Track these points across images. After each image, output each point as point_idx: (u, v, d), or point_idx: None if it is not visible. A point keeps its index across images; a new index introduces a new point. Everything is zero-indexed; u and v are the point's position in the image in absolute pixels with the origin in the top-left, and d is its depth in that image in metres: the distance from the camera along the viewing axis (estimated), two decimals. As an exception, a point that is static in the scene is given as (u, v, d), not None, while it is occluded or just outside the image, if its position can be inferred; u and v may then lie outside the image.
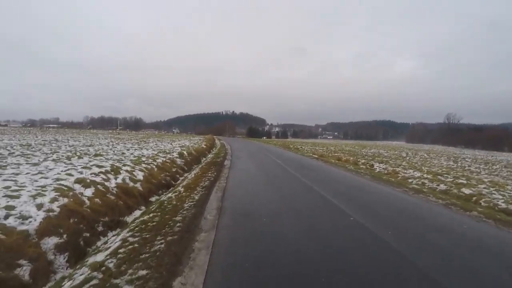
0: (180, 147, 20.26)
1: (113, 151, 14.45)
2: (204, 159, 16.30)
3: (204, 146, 24.03)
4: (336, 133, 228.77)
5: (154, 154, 13.80)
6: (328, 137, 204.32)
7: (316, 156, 17.90)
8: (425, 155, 33.99)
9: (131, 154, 13.36)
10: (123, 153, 13.75)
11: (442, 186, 9.29)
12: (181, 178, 9.79)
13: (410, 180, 10.21)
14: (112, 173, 7.43)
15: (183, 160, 12.83)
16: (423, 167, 16.62)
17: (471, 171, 16.18)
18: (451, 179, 10.94)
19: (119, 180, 6.87)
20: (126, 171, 7.93)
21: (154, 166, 9.76)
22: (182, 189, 6.55)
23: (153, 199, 7.07)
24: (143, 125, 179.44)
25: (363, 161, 16.65)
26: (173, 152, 14.84)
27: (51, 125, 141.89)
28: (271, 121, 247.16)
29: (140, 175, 7.97)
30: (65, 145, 17.66)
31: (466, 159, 28.57)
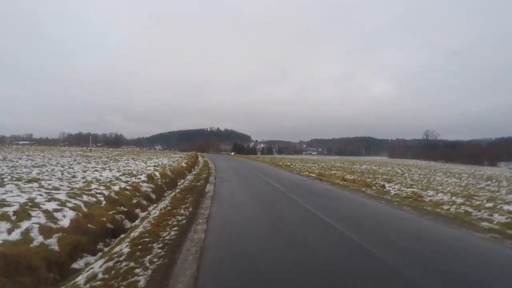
0: (154, 166, 17.10)
1: (62, 174, 11.20)
2: (181, 181, 13.31)
3: (184, 165, 20.95)
4: (320, 149, 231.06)
5: (115, 177, 10.70)
6: (313, 153, 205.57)
7: (314, 175, 15.46)
8: (419, 170, 32.76)
9: (83, 178, 10.20)
10: (73, 177, 10.56)
11: (499, 217, 7.03)
12: (141, 216, 6.82)
13: (447, 208, 7.90)
14: (14, 217, 4.45)
15: (151, 186, 9.83)
16: (439, 187, 14.63)
17: (490, 190, 14.32)
18: (491, 204, 8.83)
19: (14, 236, 3.90)
20: (45, 211, 4.94)
21: (103, 198, 6.76)
22: (128, 249, 3.69)
23: (80, 263, 4.12)
24: (124, 142, 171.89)
25: (368, 180, 14.36)
26: (141, 174, 11.78)
27: (22, 142, 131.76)
28: (256, 137, 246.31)
29: (67, 217, 4.99)
30: (7, 166, 14.04)
31: (464, 175, 27.43)
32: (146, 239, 4.08)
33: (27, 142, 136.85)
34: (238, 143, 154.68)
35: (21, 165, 14.98)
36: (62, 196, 6.26)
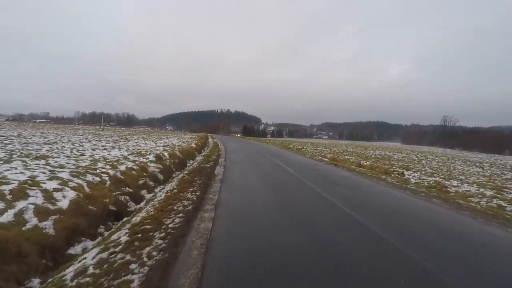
0: (163, 146, 16.88)
1: (71, 152, 11.06)
2: (190, 162, 13.00)
3: (194, 146, 20.68)
4: (330, 133, 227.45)
5: (123, 156, 10.45)
6: (324, 137, 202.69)
7: (327, 159, 14.79)
8: (436, 158, 31.35)
9: (91, 156, 10.01)
10: (81, 155, 10.40)
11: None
12: (146, 198, 6.49)
13: (476, 201, 7.16)
14: (10, 197, 4.14)
15: (159, 166, 9.50)
16: (461, 177, 13.70)
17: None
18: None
19: (6, 217, 3.58)
20: (44, 191, 4.62)
21: (107, 178, 6.45)
22: (127, 238, 3.30)
23: (76, 248, 3.80)
24: (136, 122, 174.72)
25: (384, 167, 13.59)
26: (150, 154, 11.50)
27: (39, 120, 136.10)
28: (266, 120, 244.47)
29: (67, 198, 4.67)
30: (19, 143, 14.13)
31: (485, 164, 25.97)
32: (147, 226, 3.68)
33: (44, 120, 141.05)
34: (248, 126, 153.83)
35: (33, 142, 15.06)
36: (65, 174, 5.97)
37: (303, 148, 29.85)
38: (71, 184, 5.37)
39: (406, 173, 12.76)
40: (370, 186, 6.97)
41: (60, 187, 5.05)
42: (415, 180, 10.78)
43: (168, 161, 11.19)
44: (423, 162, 23.98)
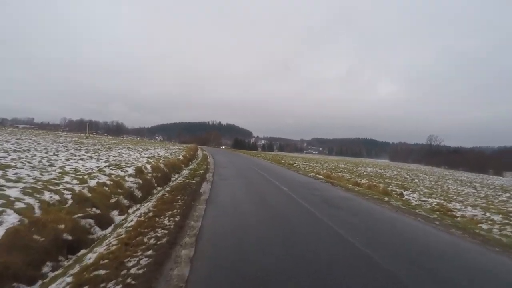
0: (147, 158, 15.75)
1: (41, 162, 9.84)
2: (176, 177, 11.93)
3: (181, 158, 19.56)
4: (320, 148, 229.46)
5: (99, 168, 9.34)
6: (314, 152, 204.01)
7: (321, 177, 14.06)
8: (427, 176, 31.31)
9: (61, 167, 8.85)
10: (51, 165, 9.23)
11: None
12: (116, 221, 5.43)
13: (487, 228, 6.48)
14: None
15: (139, 181, 8.44)
16: (459, 198, 13.22)
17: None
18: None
19: None
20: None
21: (70, 196, 5.39)
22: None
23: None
24: (125, 131, 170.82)
25: (380, 185, 12.95)
26: (130, 167, 10.40)
27: (22, 126, 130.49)
28: (257, 133, 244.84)
29: (4, 225, 3.62)
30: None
31: (475, 183, 25.95)
32: (101, 272, 2.70)
33: (27, 126, 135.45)
34: (239, 138, 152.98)
35: (5, 149, 13.65)
36: (14, 192, 4.89)
37: (295, 163, 29.15)
38: (18, 205, 4.31)
39: (404, 193, 12.15)
40: (376, 211, 6.17)
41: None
42: (416, 201, 10.13)
43: (150, 175, 10.11)
44: (416, 181, 23.69)
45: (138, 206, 6.65)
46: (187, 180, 9.34)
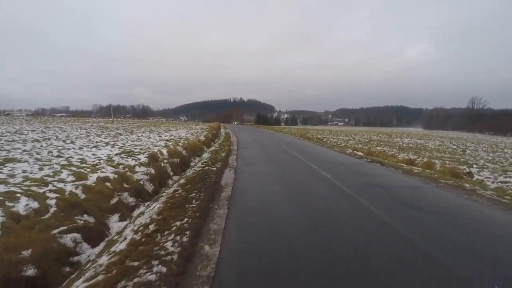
0: (166, 141, 14.70)
1: (50, 152, 9.04)
2: (196, 161, 10.70)
3: (203, 139, 18.42)
4: (346, 120, 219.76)
5: (108, 158, 8.28)
6: (339, 124, 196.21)
7: (361, 154, 12.05)
8: (478, 146, 27.39)
9: (67, 159, 7.90)
10: (59, 156, 8.39)
11: None
12: (114, 231, 4.19)
13: None
14: None
15: (150, 171, 7.23)
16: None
17: None
18: None
19: None
20: None
21: (54, 201, 4.20)
22: None
23: None
24: (151, 113, 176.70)
25: (446, 165, 10.64)
26: (143, 153, 9.27)
27: (59, 114, 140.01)
28: (280, 107, 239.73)
29: None
30: (6, 140, 12.45)
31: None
32: None
33: (63, 114, 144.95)
34: (262, 114, 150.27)
35: (21, 140, 13.33)
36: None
37: (324, 137, 26.88)
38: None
39: (472, 170, 9.80)
40: (470, 210, 4.28)
41: None
42: (493, 184, 7.90)
43: (166, 161, 8.92)
44: (468, 152, 20.47)
45: (145, 205, 5.39)
46: (207, 167, 7.98)
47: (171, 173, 8.17)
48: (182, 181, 6.21)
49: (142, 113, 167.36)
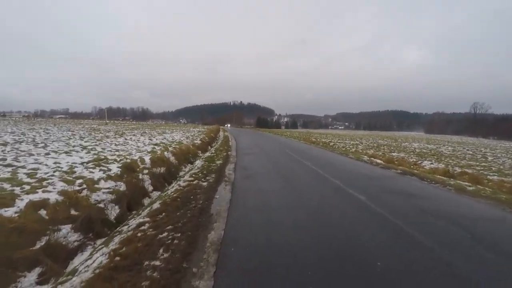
0: (154, 145, 12.87)
1: (3, 159, 7.23)
2: (186, 169, 8.88)
3: (199, 142, 16.61)
4: (346, 123, 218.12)
5: (70, 168, 6.46)
6: (339, 127, 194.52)
7: (379, 161, 10.26)
8: (490, 151, 25.63)
9: (15, 170, 6.10)
10: (8, 165, 6.55)
11: None
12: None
13: None
14: None
15: (119, 188, 5.41)
16: None
17: None
18: None
19: None
20: None
21: None
22: None
23: None
24: (150, 116, 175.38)
25: (475, 175, 8.85)
26: (120, 161, 7.44)
27: (58, 116, 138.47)
28: (280, 111, 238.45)
29: None
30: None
31: None
32: None
33: (63, 116, 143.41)
34: (262, 117, 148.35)
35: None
36: None
37: (331, 141, 25.04)
38: None
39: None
40: None
41: None
42: None
43: (147, 171, 7.10)
44: (490, 159, 18.69)
45: (96, 246, 3.57)
46: (195, 181, 6.15)
47: (150, 188, 6.33)
48: (156, 205, 4.40)
49: (141, 115, 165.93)
